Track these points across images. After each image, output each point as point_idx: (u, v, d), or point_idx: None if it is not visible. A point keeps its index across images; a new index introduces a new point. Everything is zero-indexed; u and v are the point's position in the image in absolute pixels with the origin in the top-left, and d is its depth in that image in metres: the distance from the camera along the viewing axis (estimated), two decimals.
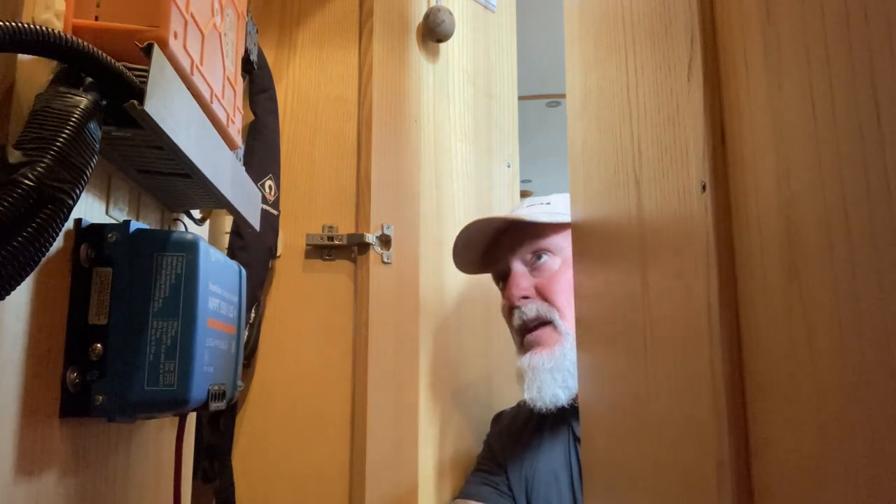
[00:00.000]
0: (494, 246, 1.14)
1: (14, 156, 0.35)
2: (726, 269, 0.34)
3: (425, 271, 1.22)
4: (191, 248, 0.50)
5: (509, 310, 1.08)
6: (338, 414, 1.09)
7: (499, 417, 1.22)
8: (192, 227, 0.67)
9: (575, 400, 1.00)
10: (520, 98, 1.55)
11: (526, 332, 1.05)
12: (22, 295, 0.41)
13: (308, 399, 1.09)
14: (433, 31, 1.27)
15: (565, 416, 1.05)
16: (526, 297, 1.05)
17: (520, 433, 1.11)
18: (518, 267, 1.09)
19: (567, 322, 1.02)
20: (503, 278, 1.13)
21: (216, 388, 0.53)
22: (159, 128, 0.40)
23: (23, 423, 0.41)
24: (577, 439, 1.04)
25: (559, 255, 1.07)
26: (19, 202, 0.34)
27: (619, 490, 0.54)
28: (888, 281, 0.22)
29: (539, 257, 1.07)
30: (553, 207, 1.12)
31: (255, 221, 0.64)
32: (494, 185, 1.43)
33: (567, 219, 1.07)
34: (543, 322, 1.04)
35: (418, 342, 1.19)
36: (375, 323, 1.11)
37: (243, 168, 0.63)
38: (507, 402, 1.26)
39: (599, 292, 0.60)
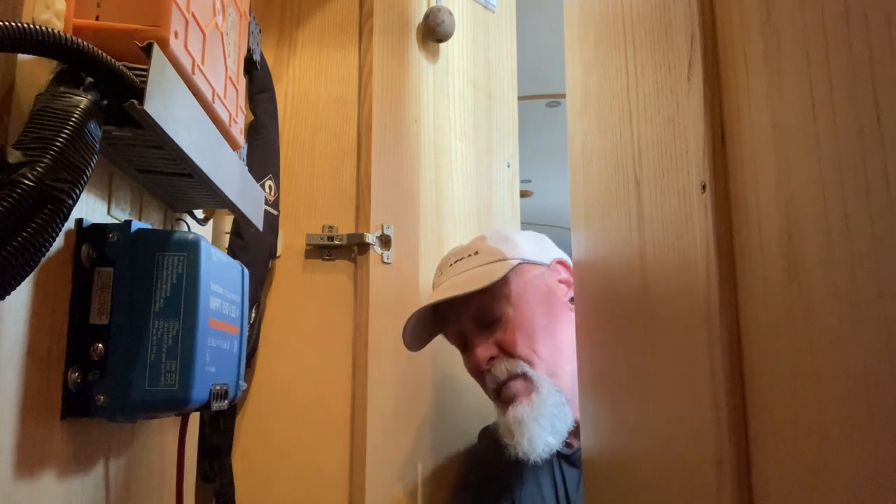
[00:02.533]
0: (439, 308, 1.06)
1: (14, 156, 0.35)
2: (726, 269, 0.34)
3: (425, 271, 1.22)
4: (192, 247, 0.50)
5: (479, 373, 1.04)
6: (338, 414, 1.09)
7: (485, 433, 1.19)
8: (195, 226, 0.67)
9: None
10: (520, 98, 1.55)
11: (500, 388, 1.02)
12: (23, 295, 0.41)
13: (308, 399, 1.09)
14: (433, 31, 1.27)
15: None
16: (493, 359, 1.01)
17: (504, 453, 1.05)
18: (473, 330, 1.04)
19: (538, 369, 0.99)
20: (460, 341, 1.08)
21: (218, 387, 0.53)
22: (159, 127, 0.40)
23: (24, 423, 0.41)
24: (561, 457, 1.03)
25: (507, 303, 1.03)
26: (19, 202, 0.34)
27: (619, 490, 0.54)
28: (888, 281, 0.22)
29: (492, 315, 1.03)
30: (484, 257, 1.05)
31: (258, 221, 0.64)
32: (494, 185, 1.43)
33: (504, 266, 1.02)
34: (514, 376, 1.00)
35: None
36: (375, 323, 1.11)
37: (246, 167, 0.63)
38: None
39: (600, 289, 0.60)
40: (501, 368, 1.00)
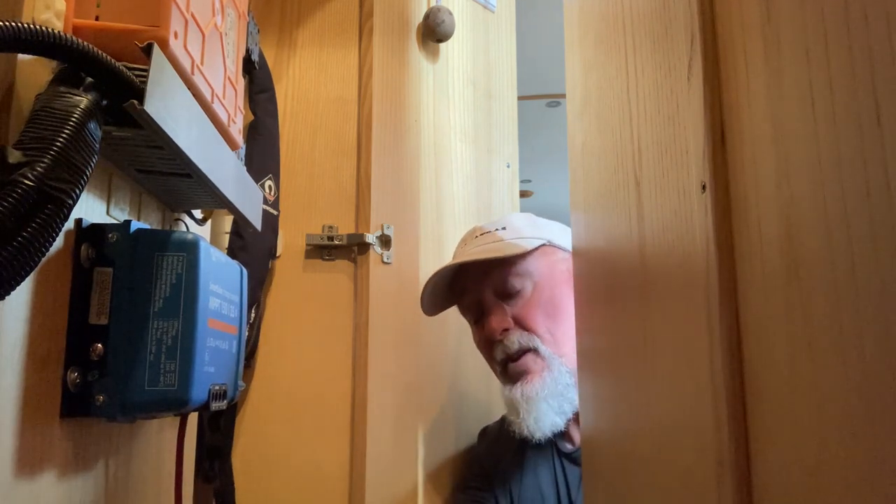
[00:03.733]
0: (457, 278, 1.09)
1: (14, 156, 0.35)
2: (726, 269, 0.34)
3: (425, 271, 1.22)
4: (191, 247, 0.50)
5: (489, 343, 1.05)
6: (338, 414, 1.09)
7: (484, 433, 1.20)
8: (193, 227, 0.67)
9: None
10: (520, 98, 1.55)
11: (509, 362, 1.02)
12: (22, 295, 0.41)
13: (308, 399, 1.09)
14: (433, 31, 1.27)
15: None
16: (506, 330, 1.02)
17: (504, 452, 1.09)
18: (491, 300, 1.05)
19: (550, 346, 0.99)
20: (475, 311, 1.09)
21: (217, 387, 0.53)
22: (159, 127, 0.40)
23: (23, 423, 0.41)
24: (562, 455, 1.03)
25: (529, 279, 1.04)
26: (19, 202, 0.34)
27: (619, 490, 0.54)
28: (888, 281, 0.22)
29: (511, 287, 1.03)
30: (510, 233, 1.07)
31: (256, 221, 0.64)
32: (494, 185, 1.43)
33: (530, 242, 1.04)
34: (525, 350, 1.00)
35: (418, 342, 1.19)
36: (375, 323, 1.11)
37: (245, 168, 0.63)
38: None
39: (600, 289, 0.60)
40: (514, 340, 1.01)
